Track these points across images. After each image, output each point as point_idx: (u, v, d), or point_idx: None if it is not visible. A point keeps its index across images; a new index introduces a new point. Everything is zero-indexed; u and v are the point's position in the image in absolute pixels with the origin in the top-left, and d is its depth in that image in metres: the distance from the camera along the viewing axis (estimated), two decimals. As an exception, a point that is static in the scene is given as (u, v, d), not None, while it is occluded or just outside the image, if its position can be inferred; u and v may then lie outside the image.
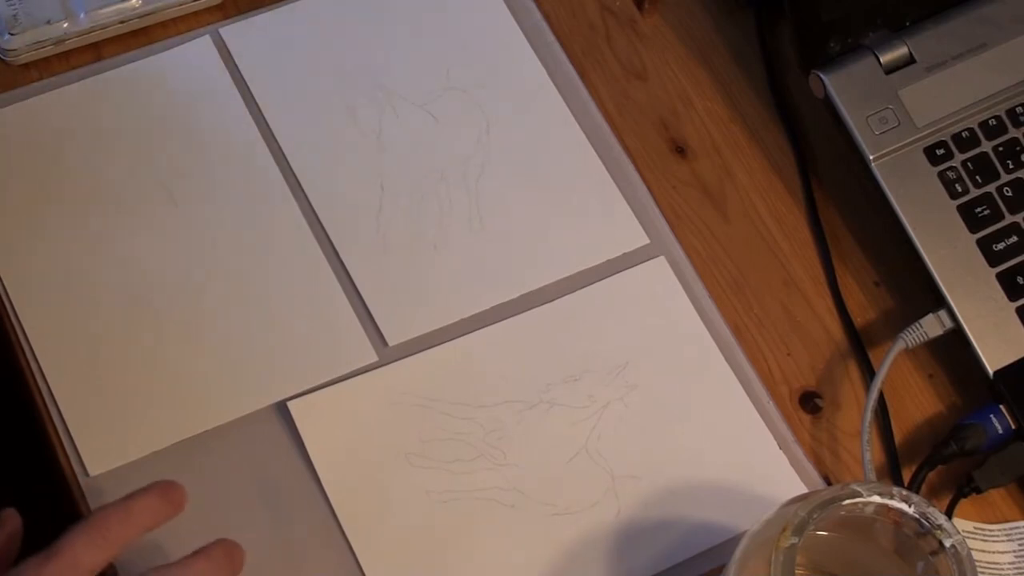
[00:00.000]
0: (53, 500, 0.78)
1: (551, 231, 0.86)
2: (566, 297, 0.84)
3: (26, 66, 0.88)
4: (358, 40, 0.91)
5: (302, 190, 0.86)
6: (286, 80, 0.89)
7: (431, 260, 0.85)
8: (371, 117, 0.89)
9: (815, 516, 0.65)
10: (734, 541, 0.69)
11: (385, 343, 0.82)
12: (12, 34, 0.87)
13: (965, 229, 0.83)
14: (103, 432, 0.78)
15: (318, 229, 0.85)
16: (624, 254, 0.86)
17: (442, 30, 0.92)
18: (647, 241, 0.86)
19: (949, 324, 0.82)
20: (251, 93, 0.89)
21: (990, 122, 0.86)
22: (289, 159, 0.87)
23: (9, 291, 0.81)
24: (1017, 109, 0.86)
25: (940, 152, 0.85)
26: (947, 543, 0.65)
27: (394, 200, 0.86)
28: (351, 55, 0.91)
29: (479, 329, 0.82)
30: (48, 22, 0.88)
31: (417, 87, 0.90)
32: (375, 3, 0.93)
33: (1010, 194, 0.84)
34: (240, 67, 0.89)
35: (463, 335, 0.82)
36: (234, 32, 0.90)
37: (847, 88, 0.85)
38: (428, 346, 0.82)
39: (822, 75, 0.85)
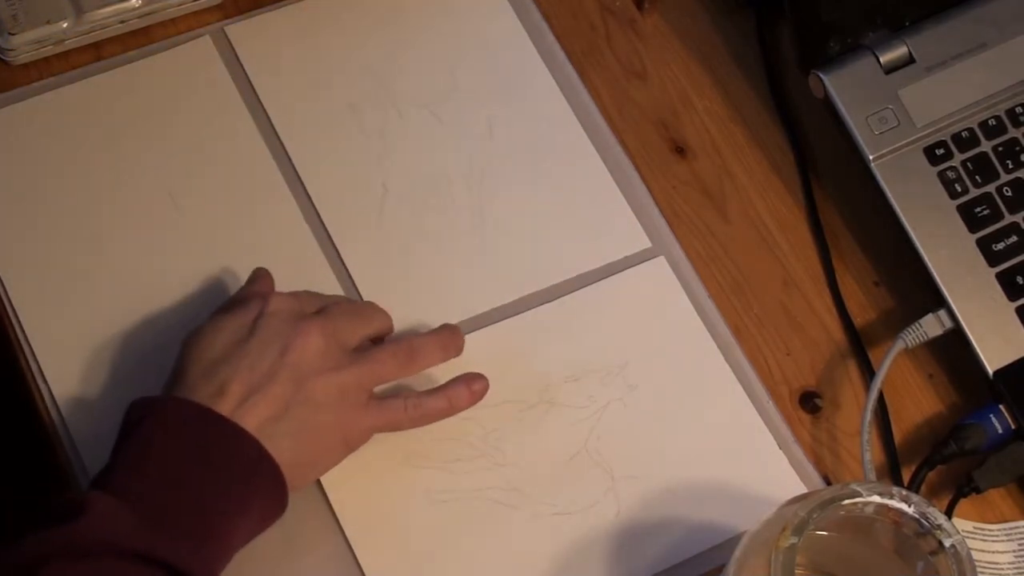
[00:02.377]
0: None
1: (553, 233, 0.86)
2: (566, 297, 0.84)
3: (26, 66, 0.88)
4: (363, 40, 0.91)
5: (304, 189, 0.86)
6: (291, 79, 0.89)
7: (433, 261, 0.85)
8: (374, 117, 0.89)
9: (815, 516, 0.65)
10: (734, 541, 0.69)
11: (385, 343, 0.82)
12: (12, 34, 0.87)
13: (965, 229, 0.83)
14: (103, 432, 0.77)
15: (319, 228, 0.85)
16: (625, 257, 0.86)
17: (447, 31, 0.92)
18: (649, 244, 0.86)
19: (949, 324, 0.82)
20: (255, 92, 0.89)
21: (990, 122, 0.86)
22: (292, 158, 0.87)
23: (9, 291, 0.81)
24: (1017, 109, 0.86)
25: (940, 152, 0.85)
26: (947, 543, 0.65)
27: (396, 200, 0.86)
28: (355, 55, 0.91)
29: (479, 329, 0.82)
30: (48, 22, 0.88)
31: (421, 87, 0.90)
32: (380, 3, 0.92)
33: (1010, 194, 0.84)
34: (245, 66, 0.89)
35: (464, 335, 0.82)
36: (240, 31, 0.90)
37: (847, 88, 0.85)
38: (430, 346, 0.82)
39: (822, 75, 0.85)
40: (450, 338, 0.79)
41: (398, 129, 0.88)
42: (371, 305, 0.80)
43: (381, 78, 0.90)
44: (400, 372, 0.77)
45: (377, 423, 0.76)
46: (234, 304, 0.76)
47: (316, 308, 0.76)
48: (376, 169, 0.87)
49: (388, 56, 0.91)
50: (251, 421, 0.71)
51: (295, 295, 0.77)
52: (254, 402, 0.71)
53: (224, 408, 0.71)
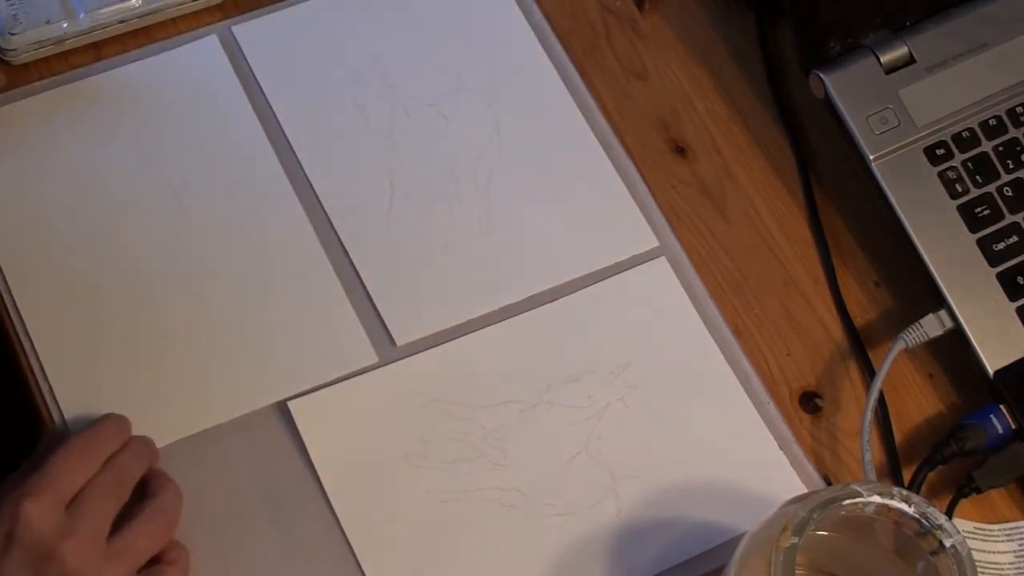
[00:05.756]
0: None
1: (560, 233, 0.86)
2: (567, 297, 0.84)
3: (26, 66, 0.88)
4: (370, 39, 0.91)
5: (312, 188, 0.86)
6: (298, 78, 0.89)
7: (440, 260, 0.85)
8: (382, 116, 0.89)
9: (815, 516, 0.65)
10: (734, 541, 0.70)
11: (392, 343, 0.82)
12: (12, 34, 0.87)
13: (965, 229, 0.83)
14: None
15: (326, 227, 0.85)
16: (633, 256, 0.86)
17: (454, 30, 0.92)
18: (657, 243, 0.86)
19: (949, 324, 0.82)
20: (262, 91, 0.88)
21: (990, 122, 0.86)
22: (300, 157, 0.87)
23: (12, 289, 0.81)
24: (1017, 109, 0.86)
25: (940, 152, 0.85)
26: (947, 543, 0.65)
27: (404, 199, 0.86)
28: (363, 54, 0.91)
29: (481, 329, 0.82)
30: (48, 22, 0.88)
31: (428, 87, 0.90)
32: (387, 2, 0.93)
33: (1010, 194, 0.84)
34: (252, 65, 0.89)
35: (467, 335, 0.82)
36: (247, 30, 0.90)
37: (847, 88, 0.85)
38: (433, 346, 0.82)
39: (822, 75, 0.85)
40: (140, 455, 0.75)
41: (406, 128, 0.88)
42: (155, 510, 0.73)
43: (389, 77, 0.90)
44: (160, 542, 0.73)
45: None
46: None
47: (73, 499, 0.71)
48: (383, 168, 0.87)
49: (396, 55, 0.91)
50: None
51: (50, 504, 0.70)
52: None
53: None
